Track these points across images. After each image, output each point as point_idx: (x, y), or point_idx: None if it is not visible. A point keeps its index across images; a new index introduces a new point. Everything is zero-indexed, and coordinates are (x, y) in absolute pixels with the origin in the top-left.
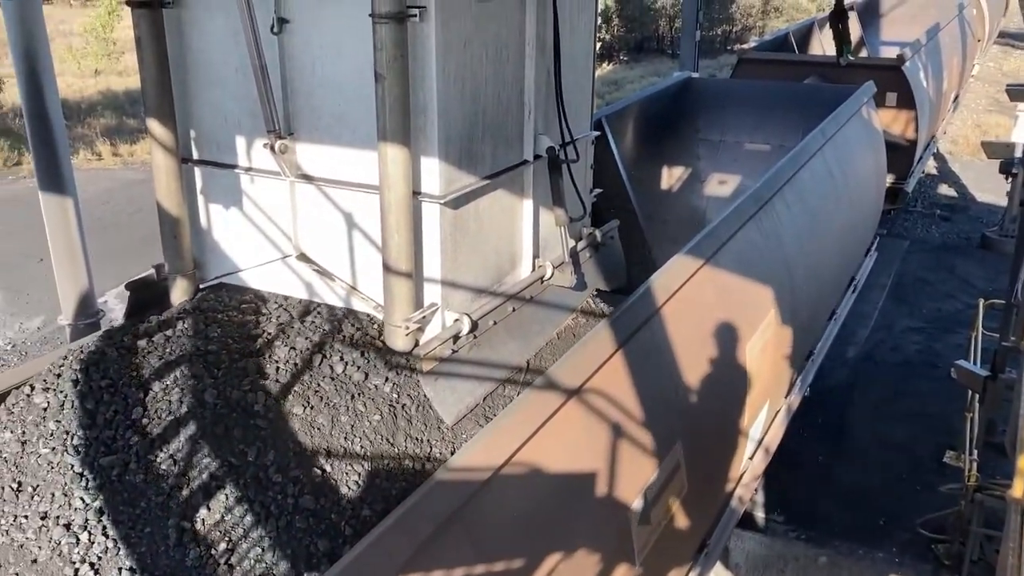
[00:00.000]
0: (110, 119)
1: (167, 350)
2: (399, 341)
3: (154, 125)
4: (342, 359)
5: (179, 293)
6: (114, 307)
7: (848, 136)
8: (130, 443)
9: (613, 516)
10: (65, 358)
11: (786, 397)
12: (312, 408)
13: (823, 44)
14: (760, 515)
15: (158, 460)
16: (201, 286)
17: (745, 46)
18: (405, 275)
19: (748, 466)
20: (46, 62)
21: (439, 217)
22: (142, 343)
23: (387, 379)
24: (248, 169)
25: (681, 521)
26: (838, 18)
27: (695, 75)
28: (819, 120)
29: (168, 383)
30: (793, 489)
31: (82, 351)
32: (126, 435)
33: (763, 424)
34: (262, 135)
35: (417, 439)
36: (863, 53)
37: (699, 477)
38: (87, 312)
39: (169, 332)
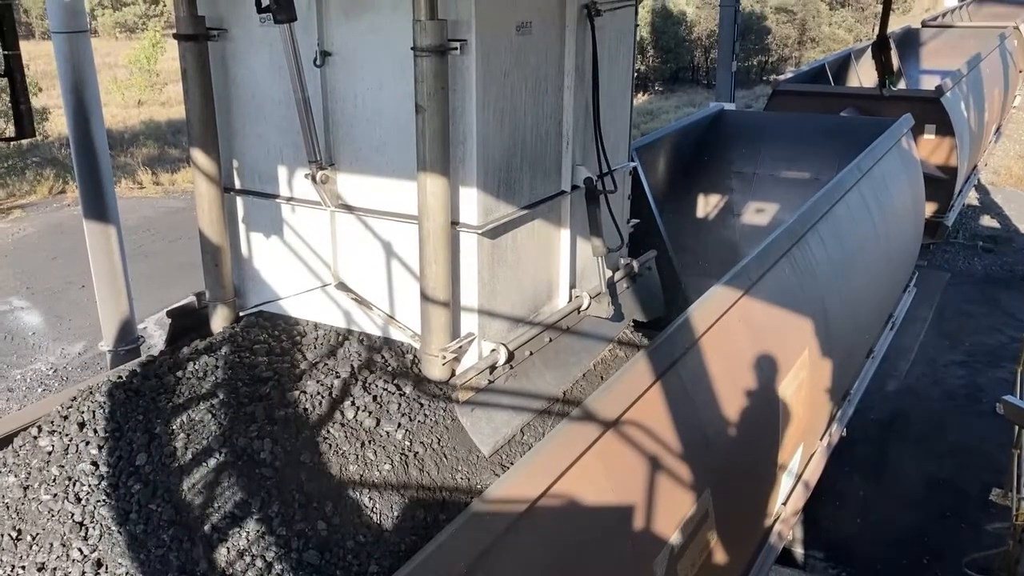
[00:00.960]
0: (152, 148)
1: (176, 392)
2: (435, 370)
3: (198, 155)
4: (353, 404)
5: (219, 320)
6: (154, 334)
7: (885, 170)
8: (132, 491)
9: (650, 552)
10: (74, 399)
11: (820, 439)
12: (320, 456)
13: (860, 75)
14: (799, 551)
15: (159, 510)
16: (241, 314)
17: (780, 77)
18: (442, 304)
19: (787, 501)
20: (93, 94)
21: (477, 247)
22: (151, 384)
23: (400, 425)
24: (289, 199)
25: (719, 556)
26: (880, 48)
27: (728, 107)
28: (855, 153)
29: (174, 428)
30: (833, 525)
31: (91, 392)
32: (128, 482)
33: (799, 464)
34: (303, 165)
35: (429, 489)
36: (901, 84)
37: (736, 511)
38: (127, 338)
39: (180, 373)
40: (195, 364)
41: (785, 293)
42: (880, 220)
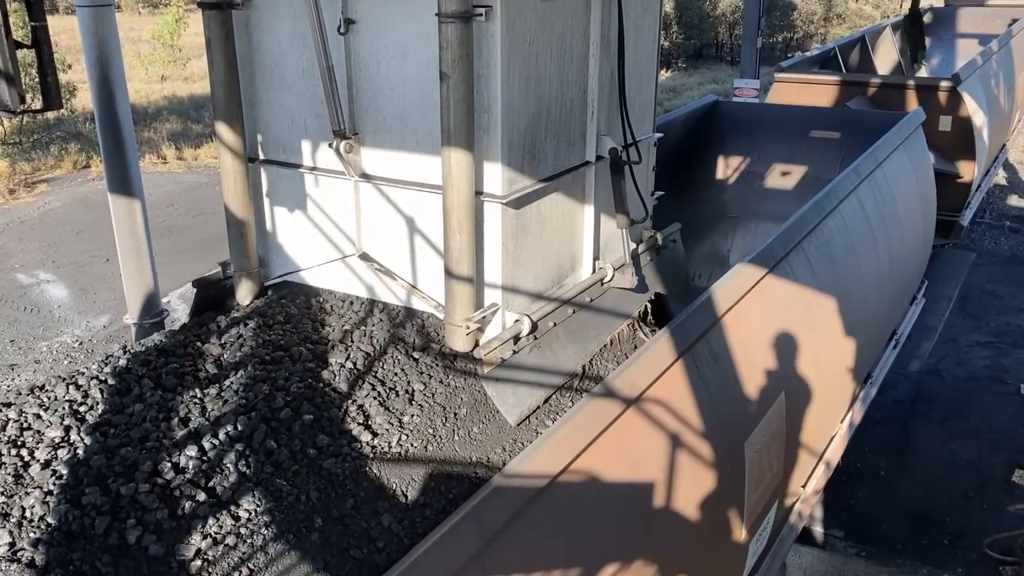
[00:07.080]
0: (175, 124)
1: (199, 365)
2: (459, 341)
3: (222, 126)
4: (377, 376)
5: (244, 291)
6: (177, 307)
7: (890, 173)
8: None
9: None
10: (42, 387)
11: (803, 486)
12: (344, 429)
13: (875, 60)
14: (819, 530)
15: (170, 477)
16: (266, 284)
17: (783, 63)
18: (466, 275)
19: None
20: (118, 69)
21: (501, 217)
22: (140, 371)
23: (423, 396)
24: (313, 169)
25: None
26: (913, 22)
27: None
28: (861, 149)
29: (148, 435)
30: (853, 504)
31: (71, 376)
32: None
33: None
34: (327, 136)
35: (452, 462)
36: (922, 72)
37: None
38: (152, 312)
39: (206, 345)
40: (222, 336)
41: (758, 326)
42: (881, 230)
